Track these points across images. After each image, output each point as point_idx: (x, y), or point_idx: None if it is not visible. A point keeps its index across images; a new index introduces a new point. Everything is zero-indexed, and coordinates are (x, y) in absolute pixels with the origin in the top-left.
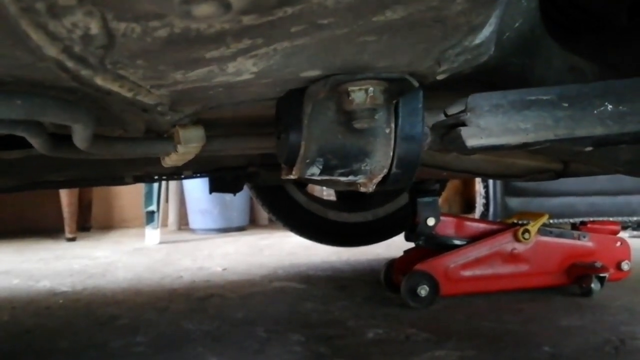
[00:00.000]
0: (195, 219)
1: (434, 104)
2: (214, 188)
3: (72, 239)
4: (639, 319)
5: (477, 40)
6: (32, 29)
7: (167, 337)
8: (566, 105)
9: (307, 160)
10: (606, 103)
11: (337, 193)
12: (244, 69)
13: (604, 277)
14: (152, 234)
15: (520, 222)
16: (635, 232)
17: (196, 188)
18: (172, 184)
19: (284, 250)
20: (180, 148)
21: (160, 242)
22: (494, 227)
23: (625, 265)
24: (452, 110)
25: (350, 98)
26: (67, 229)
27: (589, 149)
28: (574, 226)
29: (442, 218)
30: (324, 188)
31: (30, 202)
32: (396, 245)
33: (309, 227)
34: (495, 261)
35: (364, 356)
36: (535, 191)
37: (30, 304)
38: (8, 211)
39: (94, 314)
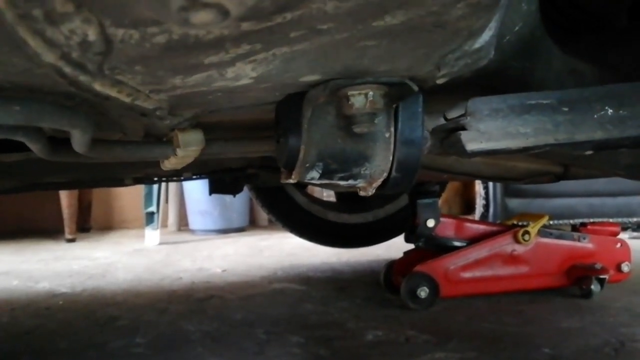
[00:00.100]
0: (195, 220)
1: (433, 107)
2: (213, 189)
3: (72, 240)
4: (639, 321)
5: (477, 45)
6: (30, 35)
7: (167, 337)
8: (566, 109)
9: (307, 165)
10: (606, 107)
11: (337, 194)
12: (243, 74)
13: (604, 278)
14: (151, 235)
15: (520, 223)
16: (635, 234)
17: (196, 189)
18: (172, 185)
19: (284, 251)
20: (179, 152)
21: (160, 243)
22: (494, 228)
23: (625, 267)
24: (452, 114)
25: (350, 102)
26: (66, 229)
27: (589, 153)
28: (574, 227)
29: (442, 219)
30: (324, 189)
31: (30, 203)
32: (396, 247)
33: (308, 228)
34: (495, 263)
35: (364, 358)
36: (535, 192)
37: (30, 305)
38: (8, 212)
39: (94, 315)
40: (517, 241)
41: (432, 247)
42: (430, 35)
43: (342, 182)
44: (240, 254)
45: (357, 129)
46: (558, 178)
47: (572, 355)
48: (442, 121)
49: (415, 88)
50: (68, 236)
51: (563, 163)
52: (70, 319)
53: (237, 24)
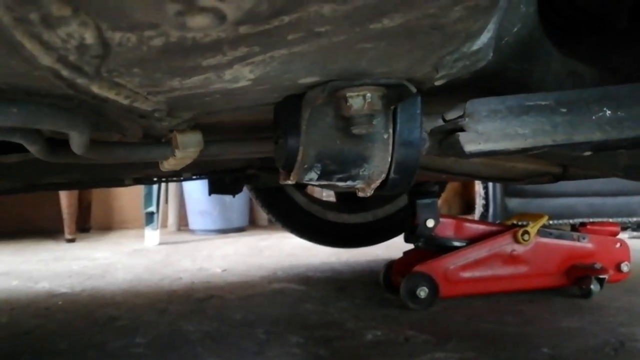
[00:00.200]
0: (195, 220)
1: (432, 109)
2: (213, 190)
3: (72, 240)
4: (639, 321)
5: (475, 47)
6: (27, 38)
7: (166, 338)
8: (564, 110)
9: (305, 166)
10: (604, 108)
11: (337, 194)
12: (240, 76)
13: (604, 278)
14: (151, 235)
15: (519, 223)
16: (634, 233)
17: (196, 189)
18: (172, 185)
19: (284, 251)
20: (178, 153)
21: (160, 243)
22: (494, 228)
23: (624, 267)
24: (451, 115)
25: (348, 104)
26: (66, 230)
27: (588, 154)
28: (574, 227)
29: (441, 219)
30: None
31: (29, 203)
32: (395, 247)
33: (308, 228)
34: (494, 262)
35: (363, 358)
36: (535, 192)
37: (30, 305)
38: (7, 212)
39: (93, 315)
40: (516, 241)
41: (431, 247)
42: (427, 37)
43: (340, 183)
44: (240, 254)
45: (355, 130)
46: (557, 178)
47: (572, 355)
48: (440, 122)
49: (414, 90)
50: (68, 236)
51: (562, 164)
52: (70, 319)
53: (235, 27)
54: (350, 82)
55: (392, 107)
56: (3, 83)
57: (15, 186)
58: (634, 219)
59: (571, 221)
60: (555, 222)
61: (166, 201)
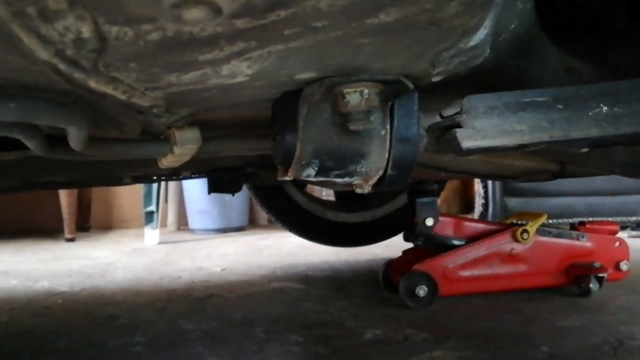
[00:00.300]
0: (195, 219)
1: (429, 105)
2: (212, 188)
3: (72, 240)
4: (638, 319)
5: (472, 43)
6: (24, 32)
7: (166, 336)
8: (561, 106)
9: (303, 162)
10: (601, 105)
11: (336, 193)
12: (238, 72)
13: (603, 277)
14: (151, 234)
15: (519, 222)
16: (634, 232)
17: (195, 188)
18: (172, 184)
19: (283, 250)
20: (176, 149)
21: (160, 243)
22: (493, 227)
23: (623, 266)
24: (448, 111)
25: (345, 100)
26: (66, 229)
27: (585, 150)
28: (573, 226)
29: (440, 218)
30: (323, 188)
31: (29, 203)
32: (395, 246)
33: (308, 227)
34: (493, 261)
35: (362, 357)
36: (534, 191)
37: (29, 305)
38: (7, 211)
39: (93, 314)
40: (515, 240)
41: (430, 246)
42: (424, 32)
43: (338, 180)
44: (240, 253)
45: (352, 127)
46: (555, 176)
47: (571, 354)
48: (438, 119)
49: (411, 86)
50: (67, 235)
51: (560, 161)
52: (70, 318)
53: (231, 21)
54: (348, 78)
55: (390, 103)
56: (1, 78)
57: (14, 184)
58: (633, 218)
59: (570, 220)
60: (555, 221)
61: (166, 200)
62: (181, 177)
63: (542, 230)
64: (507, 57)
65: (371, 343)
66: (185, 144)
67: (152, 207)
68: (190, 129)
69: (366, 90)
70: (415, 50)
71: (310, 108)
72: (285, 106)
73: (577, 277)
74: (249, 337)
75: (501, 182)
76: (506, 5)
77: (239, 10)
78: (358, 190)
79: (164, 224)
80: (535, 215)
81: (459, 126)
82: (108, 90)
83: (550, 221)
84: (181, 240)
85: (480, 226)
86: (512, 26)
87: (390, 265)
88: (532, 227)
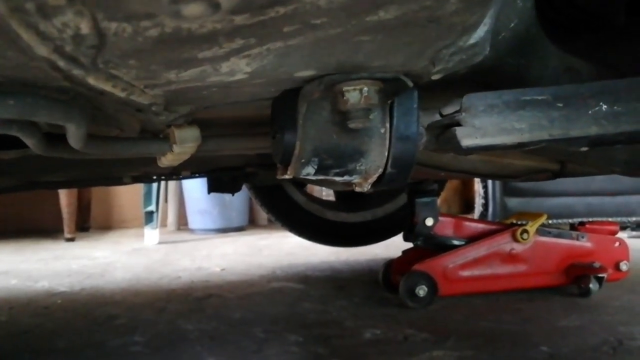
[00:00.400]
0: (194, 219)
1: (429, 103)
2: (212, 188)
3: (71, 239)
4: (638, 319)
5: (472, 40)
6: (23, 28)
7: (165, 336)
8: (561, 105)
9: (302, 160)
10: (601, 103)
11: (336, 193)
12: (237, 69)
13: (603, 277)
14: (151, 234)
15: (518, 222)
16: (633, 233)
17: (195, 188)
18: (171, 184)
19: (283, 250)
20: (175, 148)
21: (159, 243)
22: (493, 227)
23: (623, 266)
24: (447, 110)
25: (344, 98)
26: (66, 229)
27: (585, 149)
28: (573, 226)
29: (440, 218)
30: (323, 188)
31: (29, 202)
32: (395, 246)
33: (307, 227)
34: (493, 261)
35: (362, 356)
36: (534, 191)
37: (29, 304)
38: (7, 211)
39: (92, 314)
40: (515, 240)
41: (430, 246)
42: (424, 30)
43: (337, 178)
44: (240, 253)
45: (352, 125)
46: (555, 175)
47: (571, 354)
48: (437, 117)
49: (410, 84)
50: (67, 235)
51: (559, 160)
52: (69, 318)
53: (230, 17)
54: (347, 76)
55: (389, 102)
56: (0, 75)
57: (14, 184)
58: (633, 219)
59: (570, 220)
60: (555, 221)
61: (166, 200)
62: (181, 176)
63: (542, 231)
64: (507, 55)
65: (371, 343)
66: (185, 143)
67: (152, 207)
68: (189, 128)
69: (366, 88)
70: (415, 48)
71: (310, 106)
72: (285, 104)
73: (577, 277)
74: (248, 337)
75: (501, 182)
76: (506, 3)
77: (237, 6)
78: (357, 189)
79: (163, 224)
80: (535, 215)
81: (459, 124)
82: (107, 87)
83: (550, 221)
84: (181, 240)
85: (480, 226)
86: (512, 24)
87: (390, 265)
88: (532, 227)
